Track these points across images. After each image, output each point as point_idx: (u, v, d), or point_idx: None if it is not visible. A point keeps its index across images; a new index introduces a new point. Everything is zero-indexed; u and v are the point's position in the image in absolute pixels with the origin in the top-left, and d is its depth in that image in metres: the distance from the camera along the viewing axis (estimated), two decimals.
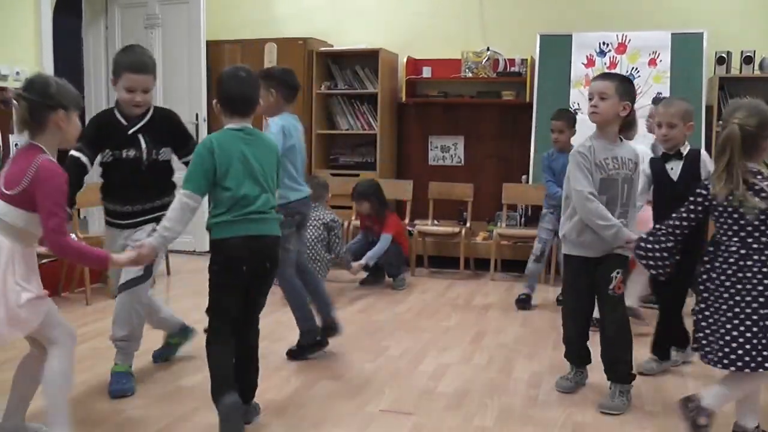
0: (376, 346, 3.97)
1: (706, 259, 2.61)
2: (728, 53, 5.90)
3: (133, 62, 3.13)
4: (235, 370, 2.74)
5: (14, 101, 2.37)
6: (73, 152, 3.09)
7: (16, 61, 5.57)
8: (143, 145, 3.20)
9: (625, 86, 3.08)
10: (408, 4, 6.83)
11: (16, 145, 5.55)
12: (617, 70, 6.10)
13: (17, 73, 5.55)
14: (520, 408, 3.09)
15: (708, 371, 3.61)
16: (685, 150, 3.46)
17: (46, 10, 5.76)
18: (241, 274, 2.70)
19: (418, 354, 3.84)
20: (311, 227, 4.96)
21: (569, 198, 3.11)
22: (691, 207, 2.66)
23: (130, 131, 3.20)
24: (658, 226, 2.80)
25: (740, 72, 5.90)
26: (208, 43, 6.63)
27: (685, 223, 2.68)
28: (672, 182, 3.42)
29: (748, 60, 5.86)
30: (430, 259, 6.31)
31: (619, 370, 3.10)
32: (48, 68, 5.79)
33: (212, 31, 6.73)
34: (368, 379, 3.42)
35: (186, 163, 3.28)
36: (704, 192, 2.61)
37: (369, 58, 6.61)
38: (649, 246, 2.75)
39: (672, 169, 3.44)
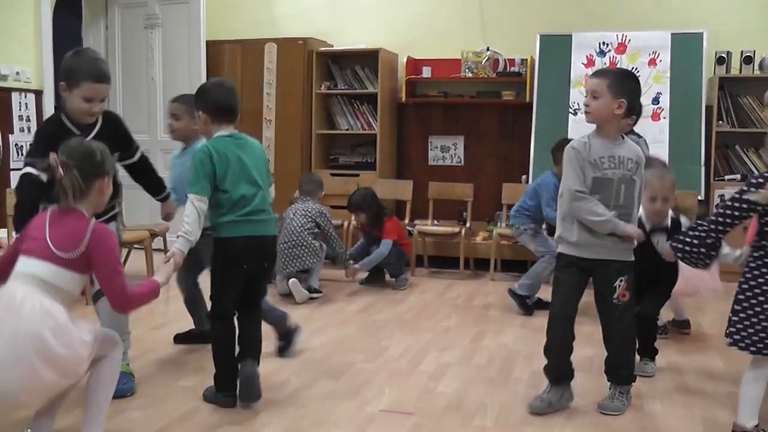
0: (376, 346, 3.97)
1: (753, 257, 2.62)
2: (728, 53, 5.90)
3: (94, 70, 2.91)
4: (241, 340, 3.05)
5: (60, 170, 2.38)
6: (28, 169, 2.86)
7: (16, 61, 5.58)
8: None
9: (620, 83, 2.93)
10: (408, 4, 6.83)
11: (16, 145, 5.56)
12: None
13: (17, 73, 5.56)
14: (519, 408, 3.09)
15: (708, 370, 3.62)
16: (668, 222, 3.40)
17: (46, 10, 5.77)
18: (242, 272, 2.99)
19: (418, 354, 3.84)
20: (298, 215, 5.02)
21: (563, 196, 3.03)
22: (736, 205, 2.63)
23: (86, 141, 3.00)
24: (699, 222, 2.77)
25: (740, 72, 5.91)
26: (208, 43, 6.63)
27: (728, 221, 2.67)
28: (659, 256, 3.25)
29: (747, 60, 5.86)
30: (430, 259, 6.31)
31: (621, 374, 3.06)
32: (48, 68, 5.80)
33: (212, 31, 6.73)
34: (368, 379, 3.42)
35: (127, 167, 3.25)
36: (750, 198, 2.59)
37: (369, 58, 6.61)
38: (688, 240, 2.75)
39: (657, 242, 3.32)
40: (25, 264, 2.34)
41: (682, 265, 3.09)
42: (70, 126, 2.96)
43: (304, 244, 4.95)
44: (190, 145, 3.70)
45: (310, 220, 5.01)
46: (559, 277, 3.09)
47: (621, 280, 2.96)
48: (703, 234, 2.72)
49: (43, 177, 2.83)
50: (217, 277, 3.02)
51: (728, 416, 2.97)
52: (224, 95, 3.02)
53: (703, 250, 2.72)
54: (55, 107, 2.61)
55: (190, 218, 2.83)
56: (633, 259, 3.02)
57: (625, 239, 2.94)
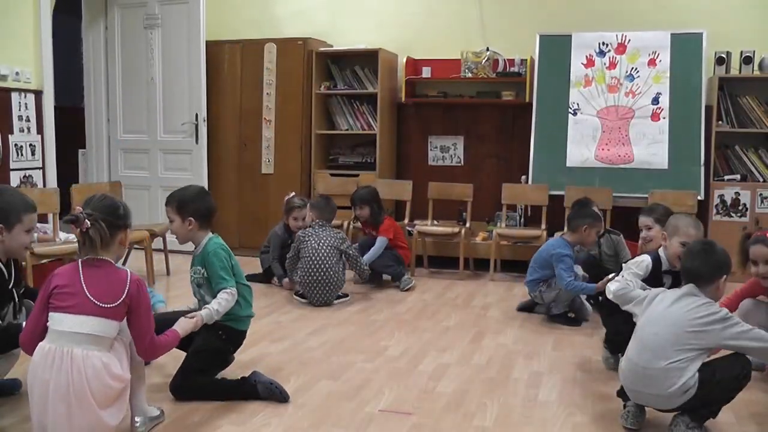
0: (376, 346, 3.97)
1: None
2: (728, 53, 5.90)
3: (27, 201, 2.91)
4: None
5: (87, 222, 2.49)
6: None
7: (16, 61, 5.58)
8: (16, 298, 2.95)
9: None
10: (407, 4, 6.83)
11: (16, 145, 5.55)
12: (617, 70, 6.12)
13: (17, 73, 5.56)
14: (519, 408, 3.09)
15: None
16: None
17: (46, 10, 5.76)
18: None
19: (418, 354, 3.84)
20: (324, 246, 4.85)
21: None
22: None
23: (11, 285, 2.92)
24: None
25: (740, 72, 5.90)
26: (208, 43, 6.63)
27: None
28: None
29: (747, 60, 5.86)
30: (429, 259, 6.31)
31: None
32: (47, 69, 5.80)
33: (212, 31, 6.73)
34: (368, 379, 3.42)
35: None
36: None
37: (368, 58, 6.61)
38: None
39: (665, 283, 3.41)
40: (71, 323, 2.44)
41: None
42: (3, 270, 2.87)
43: (337, 279, 4.88)
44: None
45: (336, 251, 4.90)
46: None
47: None
48: None
49: None
50: (216, 359, 3.20)
51: (726, 416, 2.97)
52: (210, 202, 3.27)
53: None
54: None
55: (225, 305, 3.08)
56: None
57: None
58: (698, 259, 2.84)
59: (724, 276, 2.83)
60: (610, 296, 3.17)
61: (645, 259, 3.43)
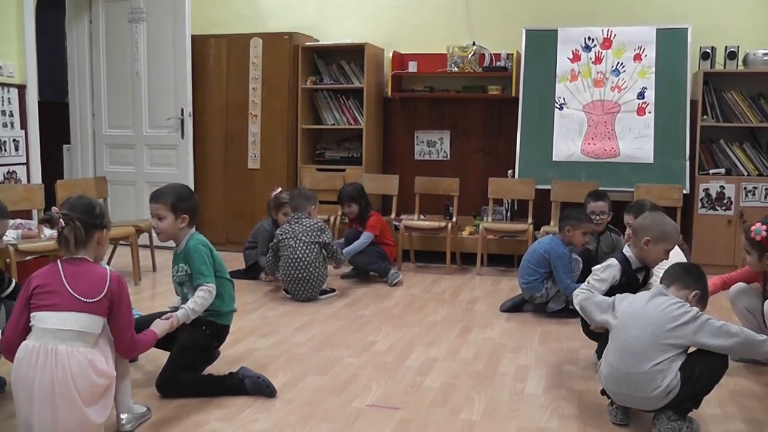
0: (363, 341, 3.97)
1: None
2: (712, 48, 5.93)
3: (2, 208, 2.89)
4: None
5: (62, 221, 2.49)
6: None
7: None
8: None
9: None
10: None
11: (10, 139, 5.50)
12: (602, 65, 6.14)
13: (0, 67, 5.51)
14: (506, 402, 3.10)
15: None
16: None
17: (29, 4, 5.71)
18: None
19: (405, 349, 3.85)
20: (301, 243, 4.82)
21: None
22: None
23: None
24: None
25: (724, 67, 5.94)
26: (194, 38, 6.59)
27: None
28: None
29: (732, 55, 5.90)
30: (416, 253, 6.31)
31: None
32: (31, 63, 5.75)
33: (197, 25, 6.68)
34: (355, 374, 3.42)
35: (8, 297, 3.09)
36: None
37: (355, 53, 6.59)
38: None
39: (638, 279, 3.41)
40: (55, 320, 2.43)
41: None
42: None
43: (319, 275, 4.85)
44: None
45: (315, 246, 4.85)
46: None
47: None
48: None
49: None
50: (201, 355, 3.20)
51: (711, 407, 2.99)
52: (197, 201, 3.31)
53: None
54: None
55: (202, 303, 3.07)
56: None
57: None
58: (678, 267, 2.92)
59: (697, 292, 2.82)
60: (576, 306, 3.13)
61: (612, 265, 3.30)
